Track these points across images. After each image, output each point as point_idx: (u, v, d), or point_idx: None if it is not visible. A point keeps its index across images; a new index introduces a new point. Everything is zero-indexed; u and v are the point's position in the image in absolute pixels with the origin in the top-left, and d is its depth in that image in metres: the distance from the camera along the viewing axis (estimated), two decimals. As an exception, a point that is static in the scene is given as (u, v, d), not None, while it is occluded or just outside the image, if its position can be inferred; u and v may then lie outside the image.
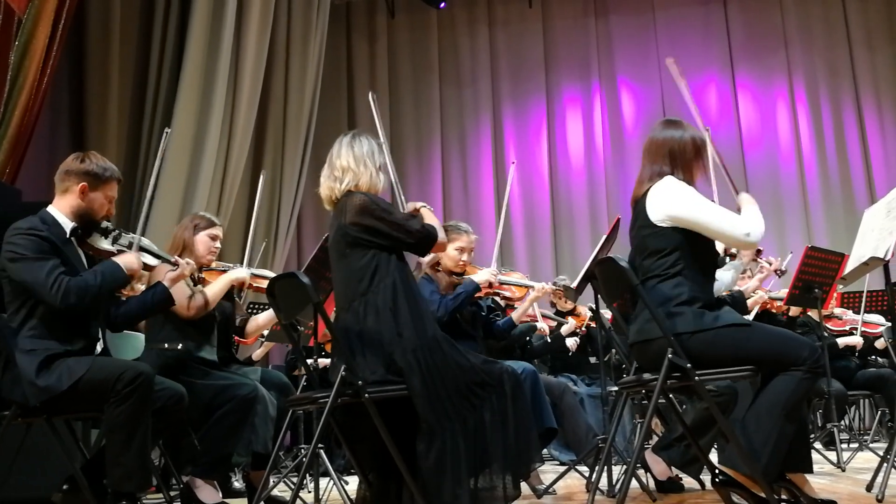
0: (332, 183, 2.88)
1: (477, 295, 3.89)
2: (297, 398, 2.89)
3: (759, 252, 3.23)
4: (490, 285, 3.88)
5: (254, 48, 6.93)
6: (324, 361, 5.03)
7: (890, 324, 5.52)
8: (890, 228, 3.22)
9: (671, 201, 2.69)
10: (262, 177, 4.18)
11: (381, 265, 2.74)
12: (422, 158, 9.12)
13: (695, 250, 2.69)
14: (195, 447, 3.40)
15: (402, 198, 3.01)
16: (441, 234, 2.87)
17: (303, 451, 4.20)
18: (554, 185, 9.12)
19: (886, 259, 3.21)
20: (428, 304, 2.91)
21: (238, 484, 4.24)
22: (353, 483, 3.47)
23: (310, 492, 3.63)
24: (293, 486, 2.95)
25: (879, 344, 5.89)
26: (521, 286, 4.25)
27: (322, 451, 3.38)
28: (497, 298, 4.44)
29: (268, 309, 4.15)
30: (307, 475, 3.42)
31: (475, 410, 2.65)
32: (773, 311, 5.42)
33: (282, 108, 7.79)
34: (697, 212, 2.66)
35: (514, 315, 4.37)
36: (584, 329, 5.69)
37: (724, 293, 2.98)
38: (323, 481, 3.51)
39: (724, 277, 2.99)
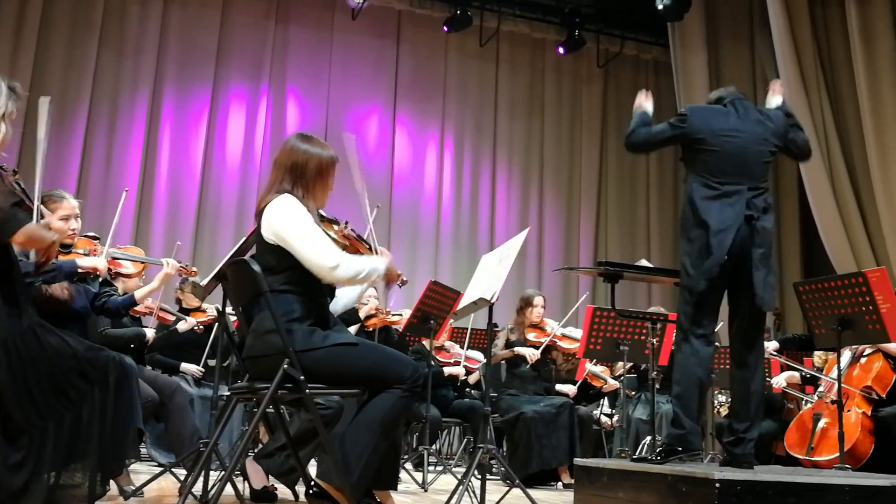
0: None
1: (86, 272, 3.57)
2: None
3: (404, 282, 3.38)
4: (96, 269, 3.56)
5: None
6: None
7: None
8: (499, 275, 3.62)
9: (277, 220, 2.74)
10: None
11: None
12: (63, 120, 8.22)
13: (307, 268, 2.75)
14: None
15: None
16: (36, 232, 2.38)
17: None
18: (205, 177, 8.81)
19: (492, 301, 3.60)
20: (30, 290, 2.57)
21: None
22: None
23: None
24: None
25: (473, 378, 6.57)
26: (142, 262, 4.05)
27: None
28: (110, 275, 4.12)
29: None
30: None
31: (73, 407, 2.43)
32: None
33: None
34: (291, 233, 2.72)
35: (138, 294, 4.08)
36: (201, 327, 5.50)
37: (340, 310, 3.09)
38: None
39: (348, 295, 3.11)
